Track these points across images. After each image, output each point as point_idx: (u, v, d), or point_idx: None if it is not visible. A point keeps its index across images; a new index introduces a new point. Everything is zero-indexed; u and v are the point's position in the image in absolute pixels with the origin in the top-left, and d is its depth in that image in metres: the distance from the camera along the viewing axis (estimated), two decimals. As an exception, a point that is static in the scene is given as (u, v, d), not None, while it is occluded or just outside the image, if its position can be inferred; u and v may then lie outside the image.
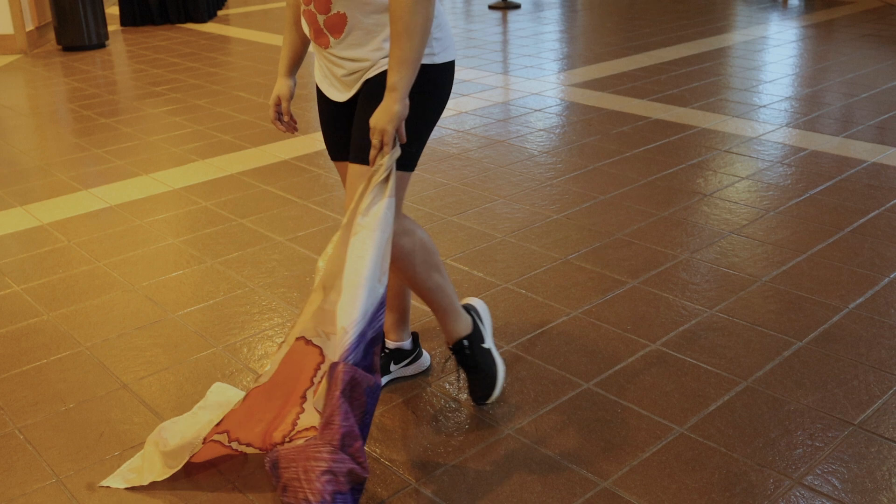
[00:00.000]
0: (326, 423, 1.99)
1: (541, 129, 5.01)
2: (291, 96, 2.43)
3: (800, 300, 3.01)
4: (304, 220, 3.87)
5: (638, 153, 4.60)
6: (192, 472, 2.25)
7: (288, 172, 4.48)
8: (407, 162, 2.18)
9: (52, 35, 8.44)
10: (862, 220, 3.65)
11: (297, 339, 2.12)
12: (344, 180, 2.39)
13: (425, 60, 2.11)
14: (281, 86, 2.42)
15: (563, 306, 3.01)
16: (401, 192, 2.22)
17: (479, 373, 2.48)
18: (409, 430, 2.39)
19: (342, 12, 2.09)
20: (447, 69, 2.18)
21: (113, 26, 9.06)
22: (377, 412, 2.48)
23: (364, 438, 2.05)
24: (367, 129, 2.12)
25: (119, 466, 2.28)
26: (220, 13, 9.92)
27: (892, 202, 3.83)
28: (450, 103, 5.56)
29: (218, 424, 2.17)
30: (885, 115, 5.13)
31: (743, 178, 4.18)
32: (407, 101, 2.02)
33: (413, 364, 2.64)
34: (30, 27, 8.04)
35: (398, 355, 2.59)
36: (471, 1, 10.78)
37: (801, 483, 2.13)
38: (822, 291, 3.06)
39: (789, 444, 2.27)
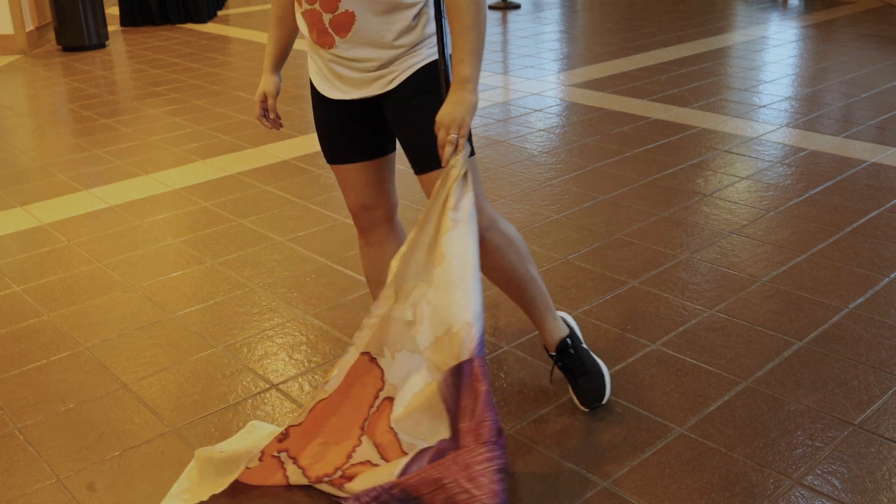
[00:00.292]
0: (479, 422, 1.86)
1: (541, 130, 5.01)
2: (277, 93, 2.41)
3: (800, 300, 3.01)
4: (304, 220, 3.87)
5: (638, 153, 4.60)
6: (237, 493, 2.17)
7: (288, 173, 4.48)
8: (471, 151, 2.16)
9: (52, 35, 8.45)
10: (862, 220, 3.65)
11: (363, 353, 2.04)
12: (342, 183, 2.37)
13: (425, 60, 2.11)
14: (267, 82, 2.39)
15: (564, 306, 3.01)
16: (479, 184, 2.19)
17: (587, 373, 2.44)
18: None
19: (350, 11, 2.04)
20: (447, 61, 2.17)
21: (113, 26, 9.06)
22: (377, 412, 2.48)
23: None
24: (425, 134, 2.09)
25: (119, 467, 2.28)
26: (220, 13, 9.93)
27: (891, 202, 3.83)
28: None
29: (281, 439, 2.08)
30: (885, 116, 5.13)
31: (743, 179, 4.18)
32: (478, 93, 2.02)
33: None
34: (30, 27, 8.04)
35: None
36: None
37: (801, 483, 2.13)
38: (822, 291, 3.06)
39: (789, 444, 2.27)
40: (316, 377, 2.66)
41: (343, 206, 3.99)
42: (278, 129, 2.51)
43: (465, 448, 1.86)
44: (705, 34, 7.84)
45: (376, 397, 2.07)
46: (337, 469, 2.09)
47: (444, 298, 1.93)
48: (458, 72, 1.99)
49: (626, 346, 2.77)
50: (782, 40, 7.55)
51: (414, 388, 2.05)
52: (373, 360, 2.05)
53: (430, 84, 2.12)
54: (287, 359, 2.77)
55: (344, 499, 2.03)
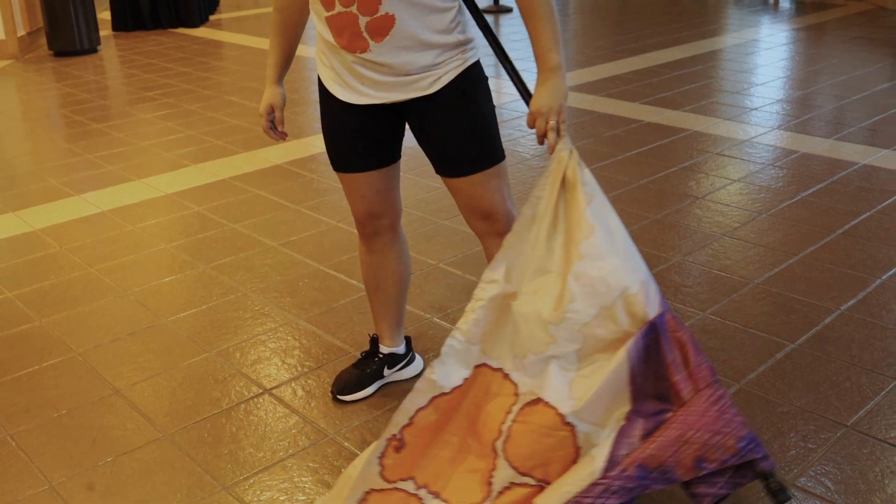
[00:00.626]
0: (695, 367, 1.79)
1: (532, 133, 5.00)
2: (284, 104, 2.37)
3: (792, 302, 3.02)
4: (296, 224, 3.86)
5: (630, 156, 4.61)
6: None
7: (280, 177, 4.47)
8: (500, 153, 2.21)
9: (43, 40, 8.43)
10: (853, 222, 3.66)
11: (479, 365, 1.91)
12: (351, 191, 2.33)
13: (465, 64, 2.12)
14: (273, 94, 2.34)
15: (556, 309, 3.01)
16: (509, 188, 2.26)
17: None
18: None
19: (391, 14, 1.99)
20: (480, 65, 2.19)
21: (104, 31, 9.05)
22: (370, 417, 2.48)
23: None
24: (466, 137, 2.13)
25: (112, 473, 2.27)
26: (212, 18, 9.92)
27: (883, 204, 3.84)
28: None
29: (398, 447, 1.93)
30: (876, 118, 5.15)
31: (735, 181, 4.19)
32: None
33: (407, 368, 2.63)
34: (21, 32, 8.02)
35: (392, 360, 2.59)
36: (463, 5, 10.78)
37: (795, 485, 2.13)
38: (814, 293, 3.07)
39: (782, 446, 2.27)
40: (309, 381, 2.66)
41: (336, 210, 3.99)
42: (283, 140, 2.47)
43: (691, 399, 1.79)
44: (697, 37, 7.86)
45: (508, 413, 1.89)
46: (484, 498, 1.89)
47: (606, 266, 1.85)
48: (546, 61, 2.01)
49: (619, 348, 2.77)
50: (774, 43, 7.58)
51: (567, 376, 1.87)
52: (506, 376, 1.91)
53: (471, 88, 2.14)
54: (280, 363, 2.77)
55: None
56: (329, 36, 2.08)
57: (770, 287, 3.13)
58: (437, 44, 2.06)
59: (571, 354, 1.87)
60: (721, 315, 2.95)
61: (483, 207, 2.22)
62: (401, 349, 2.60)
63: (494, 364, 1.94)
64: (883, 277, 3.17)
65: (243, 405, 2.56)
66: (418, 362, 2.68)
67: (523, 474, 1.88)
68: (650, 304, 1.85)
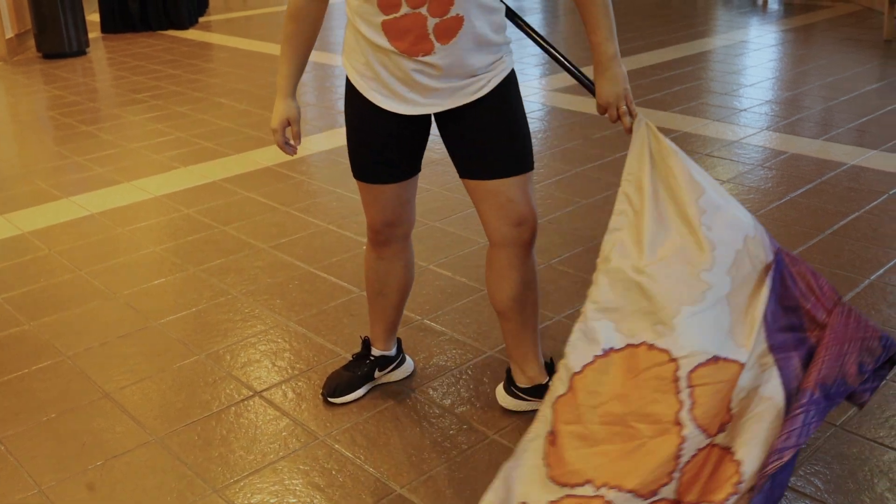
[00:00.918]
0: (820, 291, 1.94)
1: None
2: (299, 117, 2.28)
3: (781, 302, 3.02)
4: (287, 226, 3.86)
5: (620, 157, 4.61)
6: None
7: (270, 179, 4.47)
8: (530, 160, 2.20)
9: (32, 42, 8.40)
10: (842, 222, 3.68)
11: (634, 345, 1.82)
12: (373, 201, 2.29)
13: (508, 67, 2.14)
14: (289, 107, 2.24)
15: (547, 311, 3.01)
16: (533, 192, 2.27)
17: None
18: (393, 437, 2.39)
19: (460, 15, 1.97)
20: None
21: (93, 33, 9.02)
22: (360, 419, 2.48)
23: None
24: (511, 139, 2.15)
25: (102, 476, 2.27)
26: (201, 20, 9.90)
27: (871, 204, 3.86)
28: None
29: (558, 458, 1.81)
30: (865, 118, 5.17)
31: (724, 182, 4.20)
32: None
33: (397, 370, 2.64)
34: (9, 34, 7.99)
35: (383, 362, 2.59)
36: (453, 6, 10.79)
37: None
38: (803, 293, 3.08)
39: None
40: (300, 383, 2.66)
41: (326, 213, 3.98)
42: (294, 154, 2.37)
43: (827, 320, 1.90)
44: (686, 38, 7.88)
45: (676, 380, 1.80)
46: (671, 473, 1.77)
47: (726, 215, 1.92)
48: (603, 51, 2.08)
49: (609, 349, 2.77)
50: (762, 44, 7.61)
51: (726, 322, 1.84)
52: (639, 345, 1.83)
53: (513, 91, 2.17)
54: (270, 366, 2.76)
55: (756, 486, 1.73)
56: (382, 41, 2.01)
57: (759, 287, 3.14)
58: (495, 43, 2.08)
59: (723, 300, 1.86)
60: (711, 315, 2.95)
61: (518, 212, 2.20)
62: (392, 352, 2.60)
63: (635, 340, 1.86)
64: (872, 277, 3.18)
65: (234, 408, 2.55)
66: (409, 364, 2.68)
67: (715, 434, 1.80)
68: (766, 245, 1.93)
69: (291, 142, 2.29)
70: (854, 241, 3.49)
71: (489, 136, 2.15)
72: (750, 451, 1.75)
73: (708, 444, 1.78)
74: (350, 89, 2.17)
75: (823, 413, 1.80)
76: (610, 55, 2.08)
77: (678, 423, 1.79)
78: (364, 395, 2.56)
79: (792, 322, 1.90)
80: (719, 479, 1.76)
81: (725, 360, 1.82)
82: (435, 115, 2.16)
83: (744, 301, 1.87)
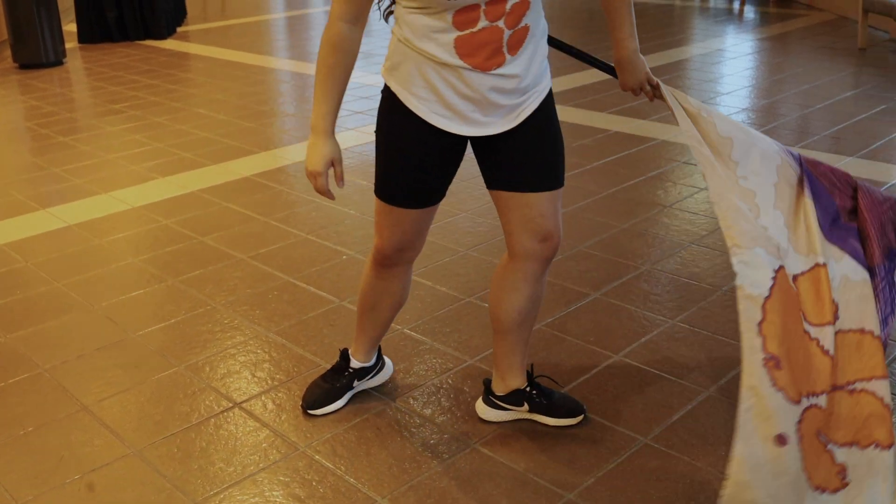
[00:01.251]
0: (839, 178, 2.19)
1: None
2: (341, 157, 2.14)
3: (759, 309, 3.04)
4: (266, 236, 3.85)
5: (598, 165, 4.64)
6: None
7: (249, 189, 4.45)
8: (563, 176, 2.22)
9: (8, 53, 8.34)
10: (819, 229, 3.70)
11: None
12: (398, 225, 2.21)
13: (549, 85, 2.15)
14: (333, 147, 2.08)
15: (527, 319, 3.02)
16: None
17: (552, 392, 2.49)
18: (374, 447, 2.38)
19: (528, 24, 1.97)
20: None
21: (70, 43, 8.97)
22: (341, 429, 2.47)
23: None
24: (556, 151, 2.17)
25: (80, 491, 2.25)
26: (179, 30, 9.87)
27: (847, 211, 3.89)
28: (411, 118, 5.56)
29: (791, 378, 1.84)
30: (840, 126, 5.22)
31: (702, 189, 4.23)
32: None
33: (377, 375, 2.63)
34: (-15, 45, 7.94)
35: (362, 373, 2.58)
36: (431, 16, 10.81)
37: (764, 490, 2.15)
38: (781, 300, 3.10)
39: (751, 452, 2.29)
40: (280, 394, 2.65)
41: (305, 222, 3.98)
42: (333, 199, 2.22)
43: (853, 200, 2.17)
44: (663, 47, 7.94)
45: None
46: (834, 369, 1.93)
47: (756, 157, 2.11)
48: (625, 47, 2.24)
49: (589, 357, 2.79)
50: (739, 52, 7.67)
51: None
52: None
53: (553, 104, 2.18)
54: (250, 377, 2.75)
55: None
56: (452, 59, 1.94)
57: (738, 294, 3.16)
58: (544, 52, 2.10)
59: (783, 230, 2.07)
60: (690, 322, 2.97)
61: (546, 227, 2.19)
62: (371, 362, 2.60)
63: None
64: (848, 283, 3.20)
65: (213, 419, 2.54)
66: (388, 367, 2.68)
67: (834, 321, 1.99)
68: (792, 163, 2.15)
69: (339, 184, 2.16)
70: (831, 248, 3.51)
71: (533, 150, 2.13)
72: (873, 320, 2.01)
73: (836, 332, 1.98)
74: (396, 110, 2.07)
75: (893, 279, 2.13)
76: (630, 49, 2.24)
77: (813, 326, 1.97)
78: (344, 406, 2.56)
79: (833, 217, 2.13)
80: (861, 349, 1.98)
81: (807, 270, 2.04)
82: (494, 137, 2.11)
83: (793, 217, 2.10)
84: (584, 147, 4.95)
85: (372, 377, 2.61)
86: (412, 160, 2.11)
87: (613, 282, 3.29)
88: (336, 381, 2.56)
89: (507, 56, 1.97)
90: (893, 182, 4.22)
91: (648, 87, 2.28)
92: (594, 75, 6.86)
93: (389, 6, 2.08)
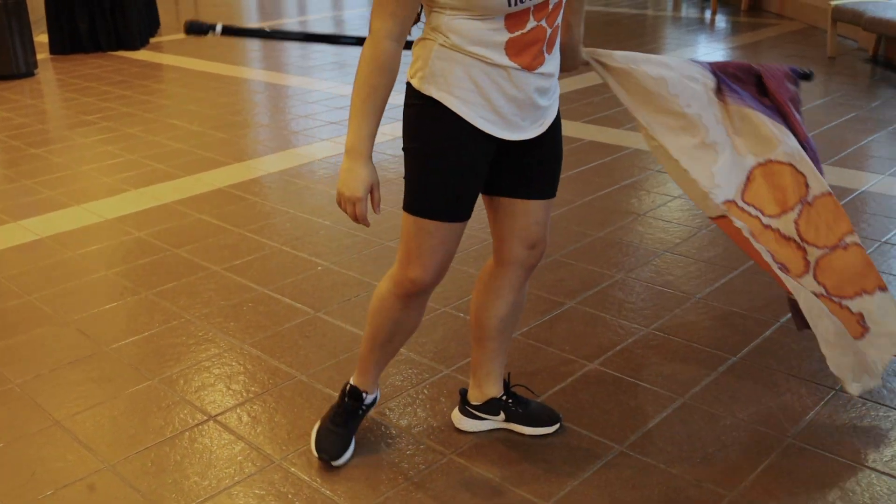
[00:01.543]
0: (736, 67, 2.46)
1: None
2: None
3: (733, 316, 3.07)
4: (240, 248, 3.83)
5: (573, 174, 4.66)
6: None
7: (223, 201, 4.43)
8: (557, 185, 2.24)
9: (-22, 64, 8.25)
10: (791, 236, 3.74)
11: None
12: (442, 243, 2.06)
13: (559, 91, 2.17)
14: (372, 171, 1.96)
15: (503, 328, 3.02)
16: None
17: (528, 401, 2.49)
18: (350, 459, 2.37)
19: (559, 24, 2.00)
20: None
21: (42, 54, 8.90)
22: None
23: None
24: (560, 159, 2.20)
25: (52, 506, 2.22)
26: (152, 40, 9.81)
27: (818, 218, 3.93)
28: (386, 128, 5.56)
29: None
30: (812, 133, 5.22)
31: (675, 198, 4.26)
32: None
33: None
34: (-45, 57, 7.85)
35: (372, 404, 2.46)
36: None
37: (739, 497, 2.16)
38: (753, 307, 3.13)
39: (726, 459, 2.31)
40: (255, 407, 2.63)
41: (279, 234, 3.96)
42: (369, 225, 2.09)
43: (767, 87, 2.45)
44: (636, 56, 7.98)
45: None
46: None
47: (687, 82, 2.36)
48: (574, 35, 2.30)
49: (565, 366, 2.79)
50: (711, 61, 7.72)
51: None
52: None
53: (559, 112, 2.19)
54: (225, 389, 2.73)
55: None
56: (504, 59, 1.92)
57: (711, 301, 3.18)
58: (559, 53, 2.11)
59: (728, 141, 2.41)
60: (664, 330, 2.99)
61: (537, 234, 2.20)
62: (378, 390, 2.49)
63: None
64: (820, 290, 3.24)
65: (187, 433, 2.52)
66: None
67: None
68: (707, 72, 2.41)
69: (376, 210, 2.04)
70: (802, 255, 3.54)
71: (547, 159, 2.15)
72: (818, 179, 2.44)
73: (815, 197, 2.44)
74: (438, 117, 1.98)
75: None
76: (578, 39, 2.33)
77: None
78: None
79: (748, 96, 2.41)
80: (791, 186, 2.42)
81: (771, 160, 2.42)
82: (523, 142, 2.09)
83: (731, 125, 2.41)
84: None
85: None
86: (460, 167, 2.02)
87: (589, 290, 3.31)
88: (351, 422, 2.40)
89: (546, 55, 1.99)
90: (864, 188, 4.27)
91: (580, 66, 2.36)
92: (566, 84, 6.89)
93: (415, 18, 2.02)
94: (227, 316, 3.21)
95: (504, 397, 2.44)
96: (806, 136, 2.47)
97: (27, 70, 7.84)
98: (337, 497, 2.22)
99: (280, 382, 2.76)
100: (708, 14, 10.54)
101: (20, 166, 5.15)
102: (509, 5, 1.85)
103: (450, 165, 2.01)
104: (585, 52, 2.33)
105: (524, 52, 1.94)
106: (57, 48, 9.04)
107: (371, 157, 1.96)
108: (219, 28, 2.29)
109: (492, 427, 2.46)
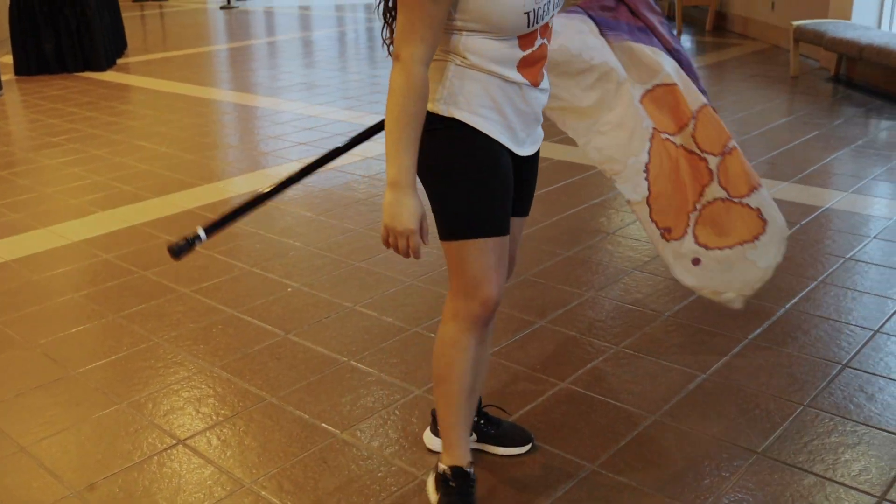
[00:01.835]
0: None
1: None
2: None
3: (701, 333, 3.09)
4: (209, 270, 3.80)
5: (541, 194, 4.68)
6: None
7: (192, 222, 4.40)
8: None
9: (-59, 86, 8.17)
10: (757, 254, 3.78)
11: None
12: (501, 259, 2.04)
13: None
14: (419, 201, 1.89)
15: (474, 348, 3.02)
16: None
17: (501, 421, 2.49)
18: (321, 481, 2.36)
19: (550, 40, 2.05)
20: None
21: (6, 75, 8.82)
22: (287, 464, 2.44)
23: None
24: (537, 177, 2.24)
25: (17, 534, 2.18)
26: (119, 61, 9.76)
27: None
28: (356, 149, 5.57)
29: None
30: (776, 152, 5.35)
31: (644, 216, 4.29)
32: None
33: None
34: (-83, 78, 7.77)
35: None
36: (374, 47, 10.87)
37: (710, 513, 2.17)
38: (722, 324, 3.15)
39: (696, 475, 2.32)
40: (224, 430, 2.61)
41: (249, 255, 3.94)
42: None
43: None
44: (603, 76, 8.05)
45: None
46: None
47: (582, 38, 2.60)
48: None
49: (536, 385, 2.80)
50: (676, 81, 7.81)
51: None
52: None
53: None
54: (194, 413, 2.71)
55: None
56: (517, 76, 1.94)
57: (680, 319, 3.20)
58: None
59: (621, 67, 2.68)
60: (634, 348, 3.00)
61: (513, 250, 2.23)
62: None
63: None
64: (786, 306, 3.27)
65: (156, 457, 2.49)
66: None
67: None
68: (585, 16, 2.61)
69: (427, 242, 1.97)
70: (769, 272, 3.58)
71: (531, 176, 2.19)
72: (700, 95, 2.72)
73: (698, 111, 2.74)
74: (468, 137, 1.95)
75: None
76: None
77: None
78: None
79: (628, 30, 2.64)
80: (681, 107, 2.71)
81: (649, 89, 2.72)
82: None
83: (623, 58, 2.67)
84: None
85: None
86: (500, 180, 2.00)
87: (559, 309, 3.32)
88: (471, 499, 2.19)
89: (544, 72, 2.04)
90: (828, 206, 4.33)
91: None
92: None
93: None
94: (197, 338, 3.18)
95: (476, 418, 2.43)
96: (672, 45, 2.69)
97: (-9, 91, 7.76)
98: (308, 520, 2.21)
99: (250, 405, 2.74)
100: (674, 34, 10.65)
101: (-16, 189, 5.09)
102: (528, 26, 1.89)
103: (491, 181, 1.98)
104: None
105: (532, 68, 1.98)
106: (22, 69, 8.96)
107: (415, 186, 1.89)
108: (202, 233, 2.12)
109: None
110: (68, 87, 8.30)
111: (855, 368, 2.83)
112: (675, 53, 2.70)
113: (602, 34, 2.62)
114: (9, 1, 8.84)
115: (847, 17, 7.70)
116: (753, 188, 2.75)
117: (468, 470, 2.16)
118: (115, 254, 4.02)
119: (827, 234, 3.98)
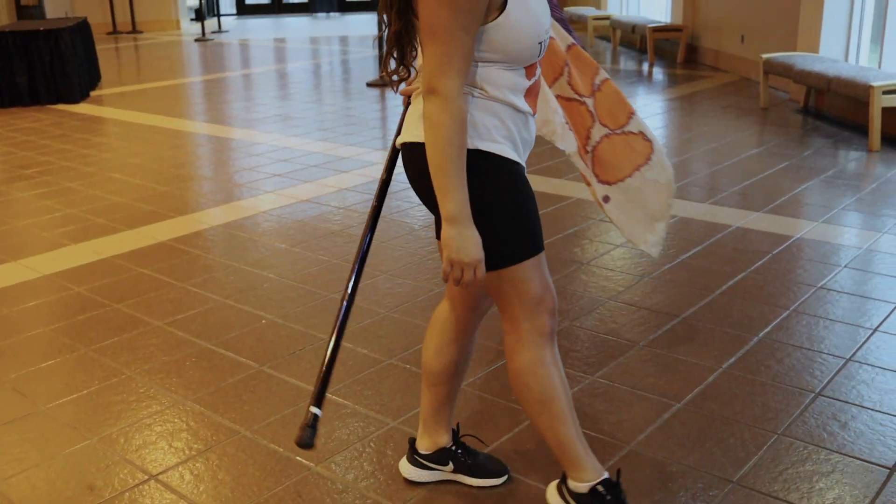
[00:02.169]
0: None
1: (421, 204, 5.05)
2: None
3: (676, 363, 3.10)
4: (182, 302, 3.77)
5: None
6: None
7: (165, 254, 4.38)
8: None
9: (-89, 118, 8.11)
10: (730, 283, 3.81)
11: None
12: (546, 272, 2.11)
13: None
14: (477, 232, 1.92)
15: (449, 379, 3.01)
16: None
17: (478, 452, 2.49)
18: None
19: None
20: None
21: (-22, 108, 8.77)
22: (261, 499, 2.41)
23: None
24: None
25: (-16, 574, 2.14)
26: (93, 93, 9.74)
27: (756, 264, 4.02)
28: (330, 180, 5.57)
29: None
30: (747, 182, 5.41)
31: (618, 246, 4.32)
32: None
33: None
34: None
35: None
36: (349, 79, 10.92)
37: (686, 544, 2.17)
38: (696, 353, 3.17)
39: (673, 506, 2.31)
40: (197, 464, 2.57)
41: (222, 287, 3.92)
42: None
43: None
44: (577, 108, 8.13)
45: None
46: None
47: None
48: None
49: (511, 416, 2.79)
50: (649, 112, 7.91)
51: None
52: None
53: None
54: (167, 447, 2.68)
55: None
56: (525, 105, 2.00)
57: (655, 349, 3.21)
58: None
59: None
60: (609, 378, 3.01)
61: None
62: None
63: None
64: (760, 335, 3.30)
65: (128, 493, 2.45)
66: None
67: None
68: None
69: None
70: (742, 300, 3.61)
71: None
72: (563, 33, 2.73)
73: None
74: (496, 166, 1.98)
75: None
76: None
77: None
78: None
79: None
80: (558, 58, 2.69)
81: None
82: None
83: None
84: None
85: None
86: (530, 197, 2.05)
87: (534, 339, 3.31)
88: None
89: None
90: (799, 235, 4.38)
91: None
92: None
93: (413, 76, 2.03)
94: (170, 371, 3.15)
95: (453, 447, 2.42)
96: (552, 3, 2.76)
97: (-37, 124, 7.70)
98: (282, 556, 2.18)
99: (223, 439, 2.71)
100: (646, 66, 10.81)
101: (-46, 222, 5.03)
102: (538, 55, 1.97)
103: (525, 201, 2.03)
104: None
105: (533, 98, 2.05)
106: (-6, 101, 8.91)
107: (471, 219, 1.90)
108: (316, 410, 1.92)
109: (439, 478, 2.44)
110: (41, 120, 8.26)
111: (828, 397, 2.84)
112: (558, 17, 2.71)
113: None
114: (-19, 33, 8.80)
115: (815, 50, 7.84)
116: (630, 114, 2.77)
117: (613, 479, 2.17)
118: (87, 287, 3.98)
119: (798, 264, 4.02)
